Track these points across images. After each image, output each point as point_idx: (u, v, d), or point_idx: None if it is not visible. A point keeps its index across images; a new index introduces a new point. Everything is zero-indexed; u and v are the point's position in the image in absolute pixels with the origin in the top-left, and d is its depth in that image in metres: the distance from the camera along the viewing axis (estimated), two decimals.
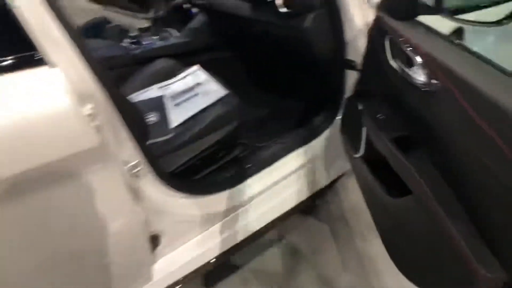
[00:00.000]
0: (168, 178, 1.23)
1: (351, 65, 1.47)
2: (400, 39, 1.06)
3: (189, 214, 1.34)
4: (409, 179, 1.05)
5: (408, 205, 1.09)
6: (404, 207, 1.12)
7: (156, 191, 1.18)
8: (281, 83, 2.14)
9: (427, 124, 1.02)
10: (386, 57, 1.15)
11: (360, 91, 1.44)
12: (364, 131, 1.30)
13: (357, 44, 1.42)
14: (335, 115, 1.66)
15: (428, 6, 1.11)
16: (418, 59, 1.00)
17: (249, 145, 1.70)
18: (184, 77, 1.75)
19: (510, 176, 0.77)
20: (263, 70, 2.18)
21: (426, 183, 0.97)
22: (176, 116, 1.53)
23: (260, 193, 1.53)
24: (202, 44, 2.05)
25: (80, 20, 2.14)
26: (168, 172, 1.34)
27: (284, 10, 1.41)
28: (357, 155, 1.37)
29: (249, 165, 1.51)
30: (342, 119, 1.55)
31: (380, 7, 1.23)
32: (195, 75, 1.75)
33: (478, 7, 1.27)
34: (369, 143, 1.29)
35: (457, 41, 1.01)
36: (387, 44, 1.14)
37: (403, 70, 1.07)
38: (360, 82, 1.45)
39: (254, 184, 1.50)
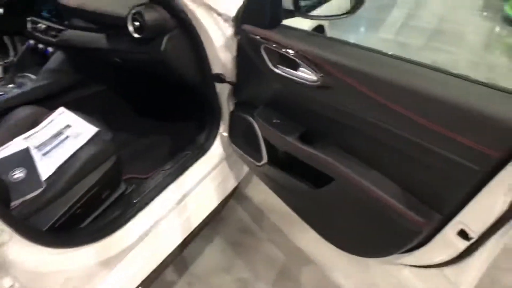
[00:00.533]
0: (43, 236, 1.11)
1: (219, 78, 1.50)
2: (277, 45, 1.12)
3: (77, 268, 1.22)
4: (328, 167, 1.13)
5: (334, 189, 1.16)
6: (331, 192, 1.19)
7: (29, 255, 1.05)
8: (158, 108, 2.11)
9: (326, 116, 1.10)
10: (266, 65, 1.19)
11: (242, 103, 1.48)
12: (261, 139, 1.32)
13: (221, 58, 1.45)
14: (217, 129, 1.67)
15: (288, 11, 1.21)
16: (303, 59, 1.06)
17: (136, 178, 1.62)
18: (50, 122, 1.61)
19: (417, 135, 0.89)
20: (137, 99, 2.13)
21: (345, 165, 1.07)
22: (46, 167, 1.40)
23: (155, 224, 1.46)
24: (65, 84, 1.92)
25: None
26: (45, 229, 1.21)
27: (137, 36, 1.38)
28: (261, 163, 1.39)
29: (137, 200, 1.44)
30: (232, 133, 1.57)
31: (240, 20, 1.27)
32: (61, 118, 1.63)
33: (324, 2, 1.44)
34: (270, 148, 1.32)
35: (329, 36, 1.11)
36: (264, 53, 1.19)
37: (289, 74, 1.12)
38: (238, 94, 1.49)
39: (146, 218, 1.43)
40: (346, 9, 1.22)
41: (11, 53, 2.23)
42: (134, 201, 1.44)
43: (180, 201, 1.52)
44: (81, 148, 1.44)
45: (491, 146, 0.77)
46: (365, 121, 0.99)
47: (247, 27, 1.23)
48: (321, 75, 1.02)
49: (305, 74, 1.07)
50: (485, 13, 6.65)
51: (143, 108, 2.12)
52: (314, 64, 1.03)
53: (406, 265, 1.17)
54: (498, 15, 6.24)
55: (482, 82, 0.85)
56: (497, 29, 5.62)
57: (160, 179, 1.53)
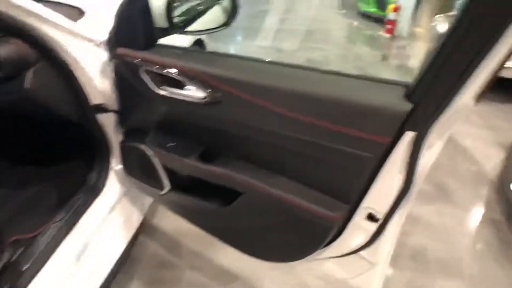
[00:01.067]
0: None
1: (100, 108, 1.37)
2: (157, 66, 1.04)
3: None
4: (234, 182, 1.09)
5: (245, 203, 1.12)
6: (242, 207, 1.15)
7: None
8: (37, 152, 1.85)
9: (222, 131, 1.06)
10: (149, 88, 1.11)
11: (132, 131, 1.37)
12: (159, 166, 1.24)
13: (98, 86, 1.33)
14: (108, 164, 1.52)
15: (163, 29, 1.14)
16: (187, 77, 1.01)
17: (22, 239, 1.39)
18: None
19: (309, 134, 0.90)
20: (9, 146, 1.84)
21: (251, 177, 1.04)
22: None
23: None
24: None
25: None
26: None
27: None
28: (164, 191, 1.30)
29: (26, 266, 1.22)
30: (126, 165, 1.44)
31: (114, 43, 1.17)
32: None
33: (198, 17, 1.42)
34: (170, 174, 1.25)
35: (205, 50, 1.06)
36: (145, 76, 1.10)
37: (175, 94, 1.06)
38: (125, 123, 1.37)
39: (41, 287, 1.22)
40: (221, 21, 1.21)
41: None
42: (23, 268, 1.22)
43: (80, 255, 1.34)
44: None
45: (379, 133, 0.81)
46: (259, 129, 0.98)
47: (121, 50, 1.14)
48: (209, 90, 0.98)
49: (192, 92, 1.02)
50: (343, 11, 7.44)
51: (19, 155, 1.84)
52: (199, 80, 0.99)
53: (327, 258, 1.20)
54: (354, 12, 7.03)
55: (356, 75, 0.90)
56: (355, 23, 6.31)
57: (52, 234, 1.33)
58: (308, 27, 6.07)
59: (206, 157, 1.14)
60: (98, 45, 1.36)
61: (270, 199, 1.04)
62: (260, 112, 0.94)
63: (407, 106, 0.76)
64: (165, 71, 1.04)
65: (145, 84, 1.11)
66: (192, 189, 1.27)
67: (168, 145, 1.18)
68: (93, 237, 1.45)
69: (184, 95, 1.04)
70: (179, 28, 1.14)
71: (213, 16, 1.32)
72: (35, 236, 1.37)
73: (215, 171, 1.09)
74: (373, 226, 0.99)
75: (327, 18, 6.79)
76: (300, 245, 1.12)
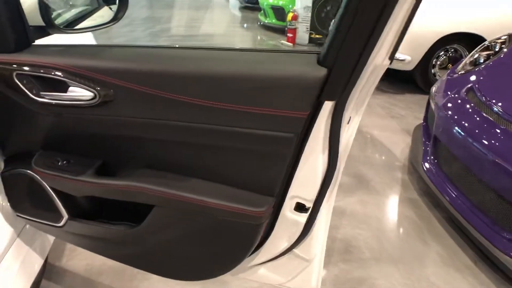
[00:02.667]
0: None
1: None
2: (33, 69, 0.87)
3: None
4: (142, 194, 0.94)
5: (158, 216, 0.98)
6: (156, 221, 1.00)
7: None
8: None
9: (119, 136, 0.92)
10: (26, 96, 0.91)
11: (13, 157, 1.13)
12: (51, 193, 1.06)
13: None
14: None
15: (40, 28, 0.96)
16: (71, 77, 0.85)
17: None
18: None
19: (219, 121, 0.81)
20: None
21: (161, 185, 0.92)
22: None
23: None
24: None
25: None
26: None
27: None
28: (62, 223, 1.11)
29: None
30: (12, 200, 1.20)
31: None
32: None
33: (86, 16, 1.25)
34: (67, 200, 1.07)
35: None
36: (18, 82, 0.91)
37: (58, 99, 0.89)
38: (3, 149, 1.13)
39: None
40: (109, 17, 1.07)
41: None
42: None
43: None
44: None
45: (296, 107, 0.74)
46: (162, 125, 0.85)
47: None
48: (97, 88, 0.84)
49: (78, 93, 0.86)
50: (245, 25, 7.62)
51: None
52: (85, 78, 0.84)
53: (259, 264, 1.10)
54: (255, 25, 7.24)
55: (262, 49, 0.83)
56: (258, 36, 6.48)
57: None
58: (210, 42, 6.06)
59: (105, 172, 0.97)
60: None
61: (184, 207, 0.91)
62: (160, 104, 0.82)
63: (322, 71, 0.70)
64: (42, 72, 0.87)
65: (20, 93, 0.91)
66: (94, 214, 1.08)
67: (59, 164, 0.98)
68: None
69: (69, 98, 0.87)
70: (58, 26, 0.97)
71: (102, 12, 1.18)
72: None
73: (116, 186, 0.93)
74: (303, 217, 0.92)
75: (230, 32, 6.88)
76: (227, 253, 1.00)
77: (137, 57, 0.85)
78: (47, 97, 0.90)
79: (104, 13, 1.25)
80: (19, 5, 0.89)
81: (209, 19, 8.34)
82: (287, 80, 0.71)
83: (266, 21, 6.56)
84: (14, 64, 0.90)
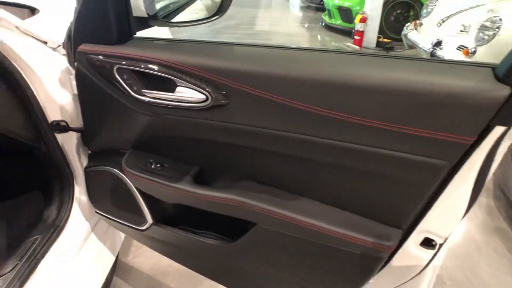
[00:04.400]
0: None
1: (60, 127, 1.10)
2: (136, 64, 0.81)
3: None
4: (243, 210, 0.84)
5: (259, 236, 0.89)
6: (255, 241, 0.91)
7: None
8: None
9: (226, 143, 0.83)
10: (126, 93, 0.86)
11: (100, 153, 1.10)
12: (138, 195, 1.00)
13: (57, 99, 1.07)
14: (70, 195, 1.24)
15: (141, 20, 0.90)
16: (181, 75, 0.77)
17: None
18: None
19: (356, 139, 0.69)
20: None
21: (269, 202, 0.81)
22: None
23: None
24: None
25: None
26: None
27: None
28: (145, 227, 1.04)
29: None
30: (93, 196, 1.17)
31: (75, 41, 0.91)
32: None
33: (182, 7, 1.19)
34: (153, 204, 1.00)
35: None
36: (119, 78, 0.85)
37: (163, 99, 0.82)
38: (91, 143, 1.10)
39: None
40: (211, 11, 0.99)
41: None
42: None
43: None
44: None
45: (460, 131, 0.61)
46: (277, 136, 0.75)
47: (86, 47, 0.88)
48: (209, 89, 0.75)
49: (187, 94, 0.77)
50: (306, 25, 7.45)
51: None
52: (196, 78, 0.76)
53: None
54: (317, 25, 7.05)
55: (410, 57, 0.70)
56: (320, 36, 6.30)
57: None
58: (272, 41, 5.97)
59: (200, 179, 0.89)
60: (55, 49, 1.11)
61: (293, 229, 0.80)
62: (278, 112, 0.72)
63: (503, 90, 0.56)
64: (144, 66, 0.80)
65: (119, 89, 0.85)
66: (183, 222, 1.01)
67: (151, 166, 0.91)
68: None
69: (175, 99, 0.79)
70: (162, 19, 0.90)
71: (201, 6, 1.10)
72: None
73: (216, 198, 0.84)
74: (429, 254, 0.78)
75: (292, 32, 6.75)
76: (336, 284, 0.88)
77: (253, 57, 0.76)
78: (149, 96, 0.83)
79: (202, 5, 1.17)
80: None
81: (268, 18, 8.27)
82: (456, 97, 0.58)
83: (330, 22, 6.36)
84: (115, 57, 0.84)
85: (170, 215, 1.04)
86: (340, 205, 0.78)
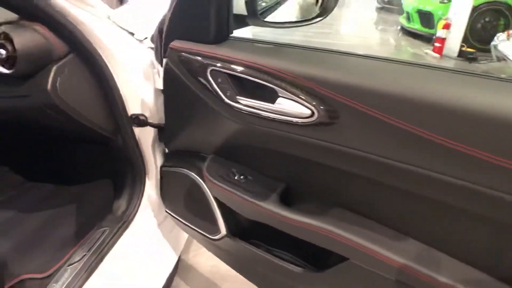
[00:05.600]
0: None
1: (139, 121, 1.08)
2: (233, 66, 0.74)
3: None
4: (335, 242, 0.75)
5: (349, 273, 0.79)
6: (344, 278, 0.81)
7: None
8: (50, 167, 1.56)
9: (323, 165, 0.74)
10: (218, 97, 0.80)
11: (177, 153, 1.06)
12: (214, 204, 0.95)
13: (139, 92, 1.05)
14: (141, 189, 1.22)
15: (238, 18, 0.84)
16: (283, 84, 0.69)
17: (32, 279, 1.09)
18: None
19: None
20: (16, 158, 1.55)
21: (370, 240, 0.70)
22: None
23: None
24: None
25: None
26: None
27: (5, 71, 0.90)
28: (217, 236, 0.99)
29: None
30: (165, 196, 1.15)
31: (167, 36, 0.87)
32: None
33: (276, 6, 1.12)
34: (229, 215, 0.95)
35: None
36: (211, 78, 0.79)
37: (259, 109, 0.75)
38: (171, 141, 1.07)
39: None
40: (313, 11, 0.90)
41: None
42: None
43: None
44: None
45: None
46: (398, 169, 0.64)
47: (179, 44, 0.83)
48: (315, 104, 0.66)
49: (289, 106, 0.69)
50: (379, 27, 7.13)
51: (29, 175, 1.54)
52: (301, 89, 0.67)
53: None
54: (393, 28, 6.71)
55: None
56: (396, 41, 5.98)
57: (68, 279, 1.02)
58: (347, 42, 5.76)
59: (285, 198, 0.81)
60: (141, 41, 1.09)
61: (396, 275, 0.69)
62: (401, 140, 0.61)
63: None
64: (242, 71, 0.73)
65: (210, 91, 0.79)
66: (257, 235, 0.94)
67: (234, 177, 0.85)
68: (121, 283, 1.14)
69: (274, 111, 0.71)
70: (262, 18, 0.82)
71: (296, 6, 1.01)
72: (47, 278, 1.08)
73: (306, 225, 0.74)
74: None
75: (366, 34, 6.48)
76: None
77: (371, 71, 0.66)
78: (243, 103, 0.76)
79: (297, 4, 1.08)
80: None
81: (341, 17, 8.03)
82: None
83: (408, 26, 6.01)
84: (211, 58, 0.78)
85: (245, 228, 0.97)
86: (457, 255, 0.66)
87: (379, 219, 0.72)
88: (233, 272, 1.49)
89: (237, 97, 0.76)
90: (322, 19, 0.84)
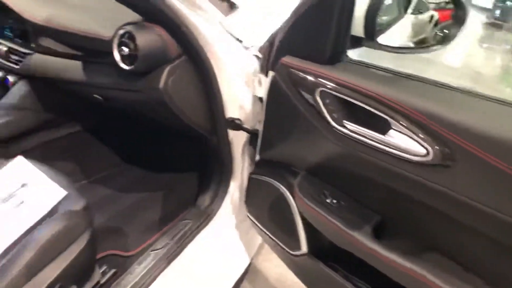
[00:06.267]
0: None
1: (235, 124, 1.12)
2: (346, 91, 0.73)
3: None
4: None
5: None
6: None
7: None
8: (147, 157, 1.68)
9: (428, 207, 0.70)
10: (323, 119, 0.80)
11: (268, 162, 1.09)
12: (299, 220, 0.95)
13: (239, 97, 1.09)
14: (226, 189, 1.27)
15: (357, 39, 0.83)
16: (400, 118, 0.67)
17: (117, 255, 1.19)
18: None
19: None
20: (119, 144, 1.70)
21: None
22: None
23: None
24: (27, 124, 1.49)
25: None
26: None
27: (126, 67, 0.99)
28: (297, 253, 1.00)
29: None
30: (250, 201, 1.18)
31: (278, 50, 0.90)
32: (17, 173, 1.20)
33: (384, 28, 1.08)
34: (312, 235, 0.94)
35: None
36: (320, 100, 0.79)
37: (368, 138, 0.73)
38: (265, 150, 1.10)
39: None
40: (422, 31, 0.86)
41: None
42: None
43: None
44: (42, 220, 1.01)
45: None
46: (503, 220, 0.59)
47: (290, 60, 0.84)
48: (432, 142, 0.62)
49: (401, 141, 0.66)
50: (484, 45, 6.52)
51: (126, 157, 1.69)
52: (421, 126, 0.64)
53: None
54: (500, 47, 6.10)
55: None
56: (505, 60, 5.43)
57: (150, 263, 1.10)
58: (457, 63, 5.33)
59: (378, 231, 0.78)
60: (247, 48, 1.12)
61: None
62: None
63: None
64: (358, 98, 0.71)
65: (316, 111, 0.79)
66: (338, 261, 0.92)
67: (326, 200, 0.84)
68: (196, 275, 1.20)
69: (383, 143, 0.69)
70: (378, 41, 0.80)
71: (412, 23, 0.96)
72: (130, 257, 1.17)
73: (402, 267, 0.71)
74: None
75: (469, 52, 5.97)
76: None
77: (497, 114, 0.61)
78: (350, 128, 0.74)
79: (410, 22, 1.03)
80: (352, 11, 0.75)
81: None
82: None
83: None
84: (323, 78, 0.78)
85: (325, 248, 0.96)
86: None
87: (480, 274, 0.67)
88: (300, 284, 1.48)
89: (344, 121, 0.75)
90: (441, 47, 0.79)
